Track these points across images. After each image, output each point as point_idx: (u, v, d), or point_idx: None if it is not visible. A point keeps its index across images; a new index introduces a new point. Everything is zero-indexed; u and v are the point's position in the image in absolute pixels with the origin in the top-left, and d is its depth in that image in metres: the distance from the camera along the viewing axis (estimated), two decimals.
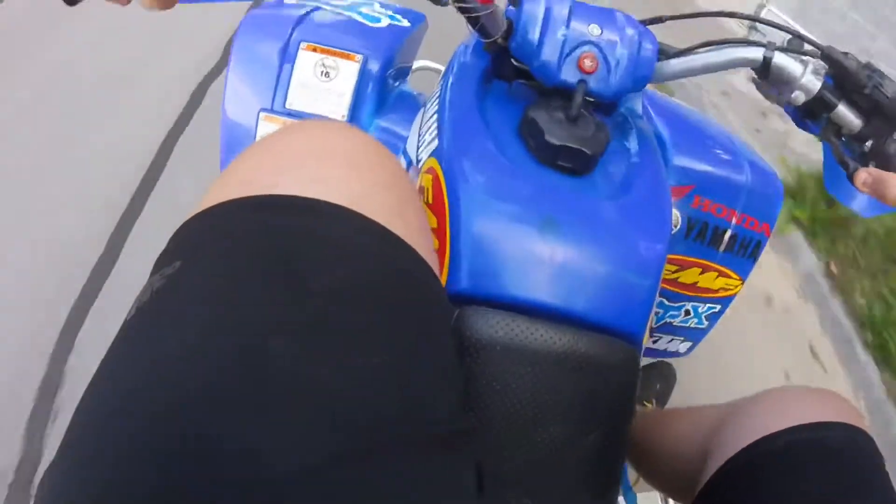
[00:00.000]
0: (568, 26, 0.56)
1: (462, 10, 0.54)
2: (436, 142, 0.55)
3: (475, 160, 0.52)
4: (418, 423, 0.27)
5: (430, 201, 0.52)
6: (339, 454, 0.23)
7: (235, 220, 0.30)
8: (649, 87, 0.85)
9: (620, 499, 0.94)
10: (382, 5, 0.88)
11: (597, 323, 0.48)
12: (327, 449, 0.23)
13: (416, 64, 1.01)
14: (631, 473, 1.00)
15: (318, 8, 0.80)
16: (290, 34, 0.75)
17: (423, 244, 0.35)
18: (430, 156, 0.55)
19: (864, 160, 0.58)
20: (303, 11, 0.78)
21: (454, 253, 0.48)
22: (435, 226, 0.50)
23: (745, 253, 0.81)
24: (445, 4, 0.52)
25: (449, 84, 0.61)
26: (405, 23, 0.84)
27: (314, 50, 0.75)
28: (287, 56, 0.75)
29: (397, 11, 0.87)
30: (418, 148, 0.61)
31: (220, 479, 0.21)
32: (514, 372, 0.45)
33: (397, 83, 0.87)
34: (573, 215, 0.50)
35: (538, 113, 0.56)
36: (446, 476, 0.27)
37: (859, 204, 0.71)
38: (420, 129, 0.64)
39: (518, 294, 0.47)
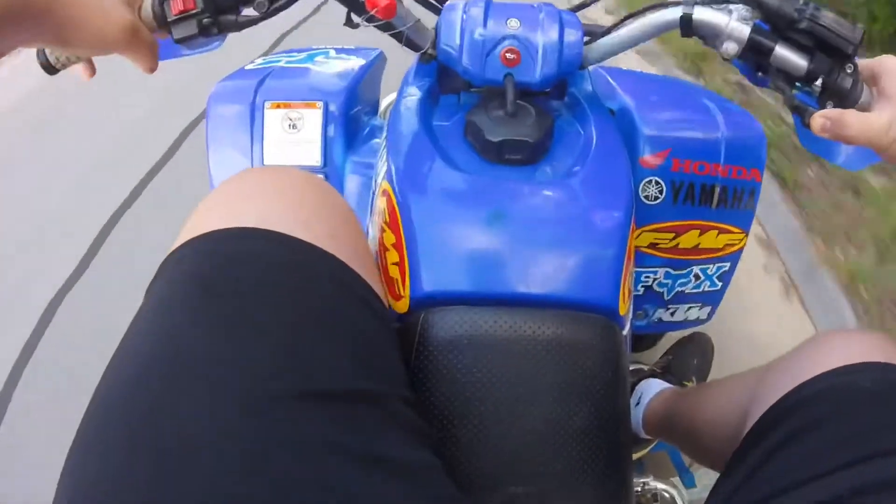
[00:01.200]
0: (485, 25, 0.58)
1: (382, 29, 0.57)
2: (386, 165, 0.58)
3: (421, 175, 0.54)
4: (303, 381, 0.33)
5: (388, 220, 0.54)
6: (242, 405, 0.31)
7: (175, 259, 0.40)
8: (612, 64, 0.86)
9: (676, 480, 0.92)
10: (337, 51, 0.92)
11: (565, 301, 0.49)
12: (230, 405, 0.31)
13: (390, 97, 1.05)
14: (685, 456, 0.97)
15: (275, 67, 0.85)
16: (254, 97, 0.80)
17: (336, 246, 0.41)
18: (384, 179, 0.58)
19: (822, 103, 0.54)
20: (263, 74, 0.83)
21: (412, 262, 0.49)
22: (394, 241, 0.52)
23: (740, 204, 0.79)
24: (357, 27, 0.55)
25: (396, 109, 0.64)
26: (360, 61, 0.88)
27: (278, 107, 0.80)
28: (255, 117, 0.80)
29: (351, 53, 0.91)
30: (377, 174, 0.64)
31: (153, 444, 0.29)
32: (486, 363, 0.45)
33: (369, 118, 0.91)
34: (522, 203, 0.52)
35: (477, 115, 0.58)
36: (334, 422, 0.33)
37: (845, 157, 0.66)
38: (378, 157, 0.67)
39: (478, 289, 0.48)
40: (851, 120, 0.49)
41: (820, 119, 0.50)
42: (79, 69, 0.53)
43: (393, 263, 0.52)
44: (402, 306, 0.50)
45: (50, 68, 0.52)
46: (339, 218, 0.45)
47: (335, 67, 0.86)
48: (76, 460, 0.31)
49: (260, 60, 0.90)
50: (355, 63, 0.88)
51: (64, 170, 2.02)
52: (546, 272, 0.49)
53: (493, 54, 0.58)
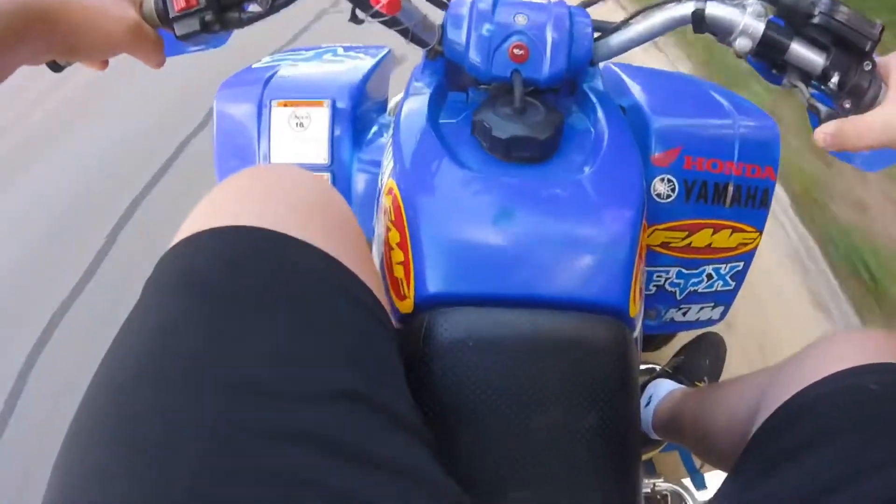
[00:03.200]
0: (493, 21, 0.57)
1: (387, 25, 0.56)
2: (392, 164, 0.57)
3: (427, 173, 0.53)
4: (292, 381, 0.34)
5: (393, 218, 0.53)
6: (228, 404, 0.31)
7: (171, 256, 0.40)
8: (624, 60, 0.85)
9: (687, 481, 0.90)
10: (346, 48, 0.91)
11: (573, 302, 0.48)
12: (216, 403, 0.31)
13: (399, 96, 1.04)
14: (696, 457, 0.96)
15: (283, 65, 0.85)
16: (261, 96, 0.80)
17: (332, 245, 0.41)
18: (389, 177, 0.57)
19: (838, 102, 0.52)
20: (270, 73, 0.83)
21: (417, 262, 0.49)
22: (399, 240, 0.52)
23: (754, 203, 0.77)
24: (361, 22, 0.54)
25: (402, 106, 0.63)
26: (368, 59, 0.87)
27: (285, 105, 0.79)
28: (262, 116, 0.80)
29: (359, 51, 0.91)
30: (383, 172, 0.63)
31: (136, 441, 0.29)
32: (491, 365, 0.45)
33: (377, 116, 0.90)
34: (529, 201, 0.51)
35: (485, 112, 0.57)
36: (325, 421, 0.33)
37: (861, 159, 0.64)
38: (384, 155, 0.66)
39: (484, 290, 0.47)
40: (849, 129, 0.48)
41: (820, 135, 0.49)
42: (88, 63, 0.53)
43: (398, 263, 0.51)
44: (406, 306, 0.49)
45: (55, 66, 0.52)
46: (337, 217, 0.45)
47: (343, 65, 0.86)
48: (64, 456, 0.32)
49: (267, 59, 0.90)
50: (363, 61, 0.87)
51: (66, 174, 2.04)
52: (554, 273, 0.48)
53: (500, 50, 0.57)
